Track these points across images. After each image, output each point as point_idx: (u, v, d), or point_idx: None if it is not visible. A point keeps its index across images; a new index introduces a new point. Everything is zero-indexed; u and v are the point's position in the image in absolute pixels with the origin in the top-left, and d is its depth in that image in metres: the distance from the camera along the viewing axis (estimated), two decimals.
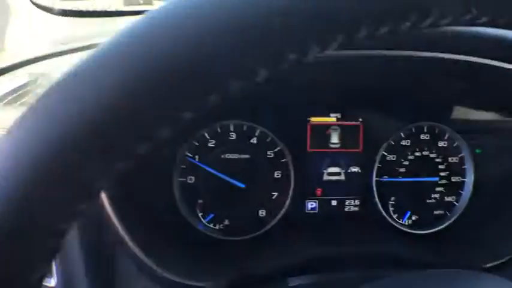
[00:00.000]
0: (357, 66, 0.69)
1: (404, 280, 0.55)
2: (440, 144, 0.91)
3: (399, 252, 0.82)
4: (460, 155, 0.92)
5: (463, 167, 0.92)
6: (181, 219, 0.84)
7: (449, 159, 0.92)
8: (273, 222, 0.86)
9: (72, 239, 0.68)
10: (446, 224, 0.92)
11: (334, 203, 0.88)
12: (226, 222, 0.86)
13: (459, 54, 0.64)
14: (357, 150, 0.88)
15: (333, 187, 0.88)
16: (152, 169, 0.82)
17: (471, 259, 0.80)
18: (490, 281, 0.54)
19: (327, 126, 0.87)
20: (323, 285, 0.67)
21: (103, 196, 0.66)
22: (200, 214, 0.85)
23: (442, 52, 0.64)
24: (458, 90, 0.80)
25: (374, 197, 0.88)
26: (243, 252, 0.82)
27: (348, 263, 0.75)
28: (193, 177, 0.85)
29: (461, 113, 0.91)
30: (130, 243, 0.68)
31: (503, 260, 0.79)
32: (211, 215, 0.85)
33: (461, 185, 0.92)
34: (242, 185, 0.84)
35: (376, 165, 0.88)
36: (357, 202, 0.89)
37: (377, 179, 0.88)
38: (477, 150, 0.92)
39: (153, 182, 0.82)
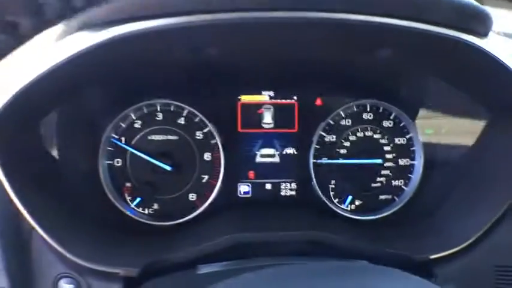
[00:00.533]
0: (283, 35, 0.64)
1: (293, 269, 0.51)
2: (386, 124, 0.85)
3: (336, 239, 0.76)
4: (408, 136, 0.86)
5: (412, 148, 0.86)
6: (108, 203, 0.81)
7: (396, 140, 0.86)
8: (204, 207, 0.82)
9: None
10: (394, 209, 0.85)
11: (268, 186, 0.84)
12: (155, 206, 0.83)
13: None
14: (292, 130, 0.83)
15: (266, 169, 0.83)
16: (78, 152, 0.80)
17: (417, 249, 0.73)
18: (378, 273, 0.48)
19: (259, 105, 0.83)
20: (231, 273, 0.63)
21: (9, 188, 0.64)
22: (128, 198, 0.82)
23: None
24: (404, 65, 0.75)
25: (312, 180, 0.83)
26: (170, 237, 0.79)
27: (274, 250, 0.71)
28: (120, 160, 0.82)
29: (409, 90, 0.85)
30: (41, 230, 0.65)
31: (450, 251, 0.72)
32: (139, 199, 0.82)
33: (410, 168, 0.86)
34: (169, 168, 0.80)
35: (314, 146, 0.83)
36: (294, 186, 0.84)
37: (314, 161, 0.83)
38: (427, 131, 0.86)
39: (79, 166, 0.79)
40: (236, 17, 0.52)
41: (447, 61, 0.69)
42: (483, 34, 0.62)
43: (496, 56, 0.61)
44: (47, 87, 0.61)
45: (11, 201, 0.64)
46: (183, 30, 0.53)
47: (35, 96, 0.61)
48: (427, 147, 0.85)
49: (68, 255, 0.66)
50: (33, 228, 0.67)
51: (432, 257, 0.71)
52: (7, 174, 0.61)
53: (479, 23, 0.61)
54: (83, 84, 0.69)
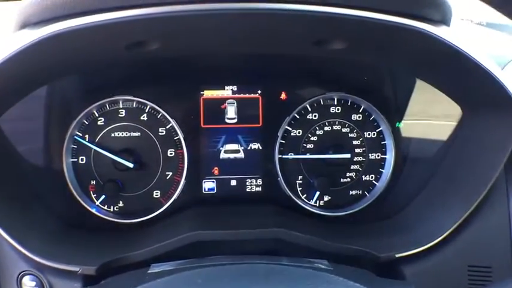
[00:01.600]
0: (224, 27, 0.62)
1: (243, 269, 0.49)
2: (354, 117, 0.83)
3: (299, 237, 0.73)
4: (378, 130, 0.83)
5: (383, 142, 0.83)
6: (73, 201, 0.81)
7: (366, 134, 0.83)
8: (168, 204, 0.81)
9: None
10: (364, 205, 0.83)
11: (233, 182, 0.82)
12: (120, 204, 0.82)
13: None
14: (257, 125, 0.81)
15: (231, 165, 0.82)
16: (41, 149, 0.79)
17: (383, 247, 0.71)
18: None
19: (223, 100, 0.81)
20: (182, 271, 0.62)
21: None
22: (94, 196, 0.82)
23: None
24: (364, 56, 0.72)
25: (278, 175, 0.81)
26: (133, 235, 0.78)
27: (237, 248, 0.69)
28: (84, 158, 0.81)
29: (378, 83, 0.83)
30: (0, 230, 0.65)
31: (417, 250, 0.69)
32: (104, 197, 0.81)
33: (381, 162, 0.83)
34: (132, 165, 0.80)
35: (279, 141, 0.81)
36: (259, 182, 0.82)
37: (280, 156, 0.81)
38: (398, 124, 0.83)
39: (42, 164, 0.79)
40: (167, 11, 0.50)
41: (408, 52, 0.67)
42: (440, 21, 0.59)
43: (454, 43, 0.58)
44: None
45: None
46: (114, 26, 0.52)
47: None
48: (398, 141, 0.83)
49: (28, 253, 0.66)
50: None
51: (398, 255, 0.68)
52: None
53: (434, 10, 0.58)
54: (33, 81, 0.68)
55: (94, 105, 0.80)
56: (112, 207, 0.82)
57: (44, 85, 0.71)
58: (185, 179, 0.81)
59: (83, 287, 0.65)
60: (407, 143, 0.82)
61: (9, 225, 0.66)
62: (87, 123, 0.80)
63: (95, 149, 0.80)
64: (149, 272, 0.66)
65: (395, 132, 0.82)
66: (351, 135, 0.83)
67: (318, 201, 0.83)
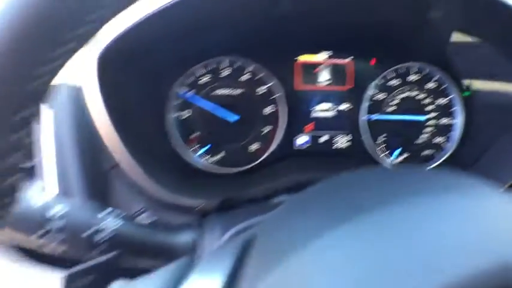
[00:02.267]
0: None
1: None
2: (429, 85, 0.93)
3: None
4: (449, 97, 0.94)
5: (452, 109, 0.94)
6: (175, 153, 0.88)
7: (438, 100, 0.94)
8: (265, 156, 0.90)
9: (72, 158, 0.73)
10: (433, 165, 0.94)
11: (323, 139, 0.92)
12: (220, 155, 0.90)
13: None
14: (346, 88, 0.91)
15: (322, 123, 0.91)
16: (147, 106, 0.86)
17: None
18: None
19: (317, 64, 0.90)
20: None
21: (101, 121, 0.71)
22: (195, 147, 0.89)
23: None
24: (450, 29, 0.83)
25: (363, 133, 0.91)
26: (234, 183, 0.86)
27: None
28: (187, 113, 0.89)
29: (451, 54, 0.93)
30: (131, 159, 0.72)
31: None
32: (206, 148, 0.89)
33: (450, 126, 0.94)
34: (234, 119, 0.88)
35: (365, 103, 0.91)
36: (347, 139, 0.92)
37: (366, 116, 0.91)
38: (466, 93, 0.94)
39: (148, 119, 0.86)
40: None
41: (501, 25, 0.77)
42: None
43: None
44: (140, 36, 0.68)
45: (94, 138, 0.70)
46: None
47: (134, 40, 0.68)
48: (467, 107, 0.93)
49: (154, 186, 0.73)
50: (114, 166, 0.75)
51: None
52: (108, 106, 0.68)
53: None
54: (161, 39, 0.76)
55: (199, 64, 0.88)
56: (213, 158, 0.90)
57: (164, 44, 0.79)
58: (281, 134, 0.90)
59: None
60: (474, 110, 0.93)
61: (139, 158, 0.74)
62: (191, 80, 0.88)
63: (199, 104, 0.88)
64: (276, 201, 0.74)
65: (465, 99, 0.93)
66: (425, 100, 0.93)
67: (396, 159, 0.93)
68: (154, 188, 0.74)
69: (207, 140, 0.89)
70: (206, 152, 0.90)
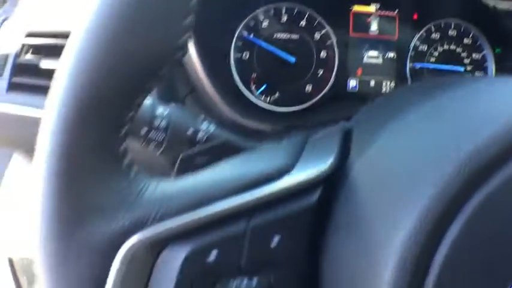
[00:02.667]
0: None
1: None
2: (466, 41, 1.03)
3: None
4: (482, 53, 1.03)
5: (485, 64, 1.03)
6: (239, 90, 0.94)
7: (473, 55, 1.03)
8: (318, 97, 0.96)
9: None
10: None
11: (372, 83, 0.99)
12: (277, 95, 0.96)
13: None
14: (393, 37, 0.99)
15: (371, 69, 0.99)
16: (216, 44, 0.93)
17: None
18: None
19: (368, 14, 0.99)
20: None
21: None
22: (254, 86, 0.95)
23: None
24: None
25: (407, 80, 0.99)
26: (290, 121, 0.92)
27: None
28: (248, 53, 0.95)
29: (490, 15, 1.03)
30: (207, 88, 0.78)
31: None
32: (264, 87, 0.95)
33: None
34: (292, 60, 0.95)
35: (410, 52, 0.99)
36: (393, 84, 0.99)
37: (410, 64, 1.00)
38: (497, 50, 1.04)
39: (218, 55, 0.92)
40: None
41: None
42: None
43: None
44: None
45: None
46: None
47: None
48: (498, 63, 1.03)
49: (228, 109, 0.79)
50: (189, 93, 0.80)
51: None
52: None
53: None
54: None
55: (261, 9, 0.95)
56: (269, 97, 0.96)
57: None
58: (334, 76, 0.97)
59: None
60: (504, 66, 1.03)
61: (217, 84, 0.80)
62: (253, 24, 0.95)
63: (259, 46, 0.95)
64: None
65: (496, 56, 1.03)
66: (463, 54, 1.02)
67: None
68: (228, 111, 0.80)
69: (263, 81, 0.95)
70: (262, 93, 0.96)
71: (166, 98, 0.72)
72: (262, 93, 0.96)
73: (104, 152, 0.34)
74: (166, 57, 0.34)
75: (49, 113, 0.33)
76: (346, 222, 0.35)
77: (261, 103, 0.95)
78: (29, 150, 0.91)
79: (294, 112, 0.95)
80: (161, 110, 0.66)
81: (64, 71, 0.32)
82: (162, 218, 0.34)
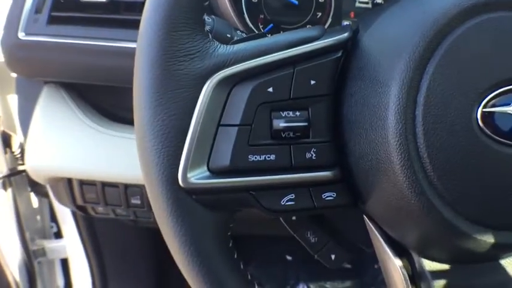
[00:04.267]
0: None
1: None
2: None
3: None
4: None
5: None
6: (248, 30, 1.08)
7: None
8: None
9: None
10: None
11: None
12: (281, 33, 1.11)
13: None
14: None
15: (363, 12, 1.15)
16: None
17: None
18: None
19: None
20: None
21: None
22: (261, 26, 1.10)
23: None
24: None
25: None
26: None
27: None
28: None
29: None
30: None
31: None
32: (270, 26, 1.10)
33: None
34: (295, 3, 1.09)
35: None
36: None
37: None
38: None
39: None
40: None
41: None
42: None
43: None
44: None
45: None
46: None
47: None
48: None
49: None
50: None
51: None
52: None
53: None
54: None
55: None
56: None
57: None
58: (331, 17, 1.12)
59: None
60: None
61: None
62: None
63: None
64: None
65: None
66: None
67: None
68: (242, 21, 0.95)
69: (269, 21, 1.10)
70: (268, 32, 1.10)
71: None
72: (268, 32, 1.10)
73: (193, 15, 0.48)
74: None
75: None
76: (359, 67, 0.51)
77: None
78: (66, 79, 1.03)
79: None
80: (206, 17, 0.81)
81: None
82: (234, 63, 0.49)
